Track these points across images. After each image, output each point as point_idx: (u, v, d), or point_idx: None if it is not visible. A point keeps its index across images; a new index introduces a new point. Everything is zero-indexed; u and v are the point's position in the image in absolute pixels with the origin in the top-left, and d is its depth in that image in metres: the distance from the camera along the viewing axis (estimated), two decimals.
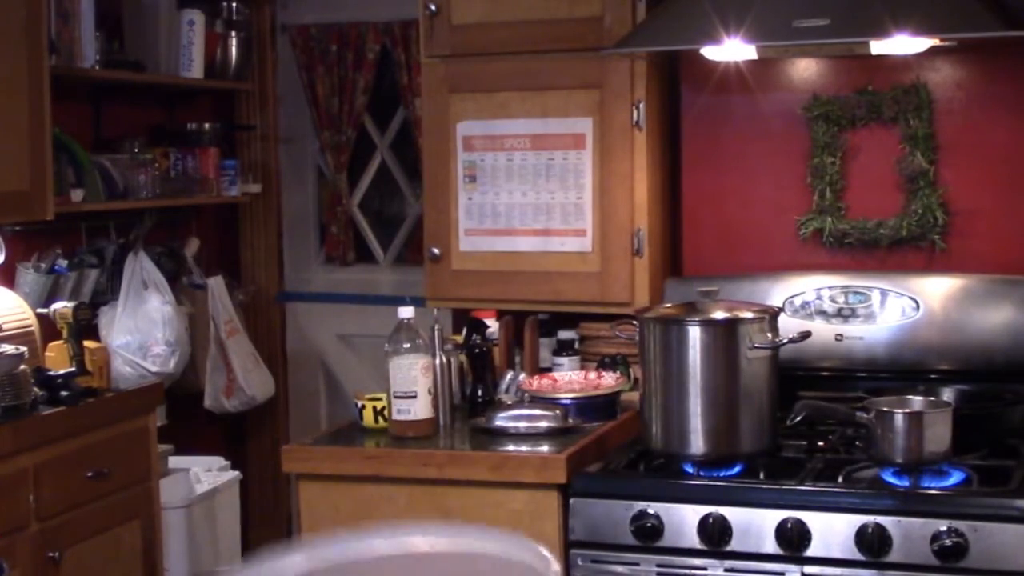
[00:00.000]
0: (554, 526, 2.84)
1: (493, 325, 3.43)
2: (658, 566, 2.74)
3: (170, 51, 4.52)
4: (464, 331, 3.33)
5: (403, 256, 5.26)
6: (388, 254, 5.29)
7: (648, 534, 2.74)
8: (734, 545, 2.69)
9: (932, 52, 3.18)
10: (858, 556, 2.61)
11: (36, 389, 3.38)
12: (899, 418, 2.73)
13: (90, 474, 3.42)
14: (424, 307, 3.44)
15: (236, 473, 4.47)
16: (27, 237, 4.00)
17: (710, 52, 3.19)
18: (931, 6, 2.87)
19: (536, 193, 3.46)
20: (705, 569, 2.71)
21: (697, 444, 2.85)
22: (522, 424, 3.05)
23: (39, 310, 3.81)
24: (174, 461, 4.18)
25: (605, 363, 3.43)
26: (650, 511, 2.74)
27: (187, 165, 4.59)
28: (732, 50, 3.08)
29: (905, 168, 3.30)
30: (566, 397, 3.19)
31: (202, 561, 4.20)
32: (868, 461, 2.81)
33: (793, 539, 2.64)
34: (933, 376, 3.15)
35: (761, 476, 2.83)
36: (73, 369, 3.59)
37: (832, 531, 2.63)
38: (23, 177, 3.51)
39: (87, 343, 3.78)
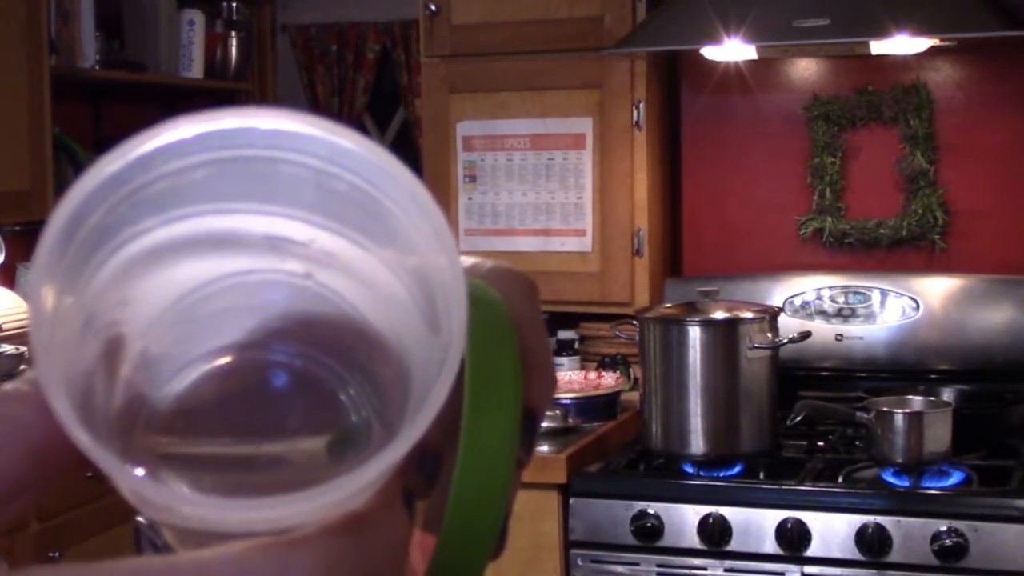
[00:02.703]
0: (554, 526, 2.84)
1: None
2: (658, 566, 2.74)
3: (170, 51, 4.52)
4: None
5: None
6: None
7: (648, 534, 2.74)
8: (734, 545, 2.69)
9: (932, 52, 3.18)
10: (858, 556, 2.61)
11: None
12: (899, 418, 2.73)
13: (90, 474, 3.39)
14: None
15: None
16: (27, 237, 4.00)
17: (710, 52, 3.19)
18: (931, 6, 2.87)
19: (536, 193, 3.46)
20: (705, 569, 2.71)
21: (697, 444, 2.85)
22: None
23: None
24: None
25: (605, 363, 3.43)
26: (650, 511, 2.74)
27: None
28: (732, 50, 3.08)
29: (905, 168, 3.30)
30: (566, 397, 3.19)
31: None
32: (868, 461, 2.81)
33: (793, 539, 2.64)
34: (933, 376, 3.15)
35: (761, 476, 2.83)
36: None
37: (832, 531, 2.63)
38: (23, 177, 3.51)
39: None
